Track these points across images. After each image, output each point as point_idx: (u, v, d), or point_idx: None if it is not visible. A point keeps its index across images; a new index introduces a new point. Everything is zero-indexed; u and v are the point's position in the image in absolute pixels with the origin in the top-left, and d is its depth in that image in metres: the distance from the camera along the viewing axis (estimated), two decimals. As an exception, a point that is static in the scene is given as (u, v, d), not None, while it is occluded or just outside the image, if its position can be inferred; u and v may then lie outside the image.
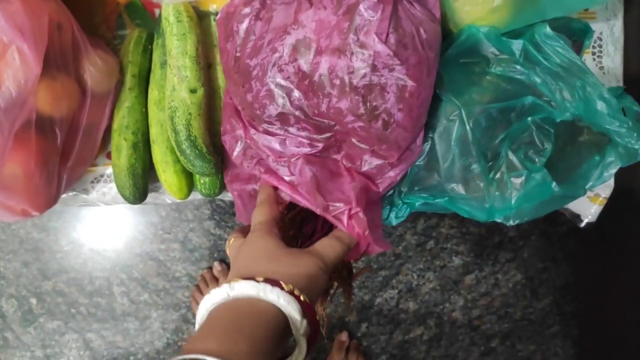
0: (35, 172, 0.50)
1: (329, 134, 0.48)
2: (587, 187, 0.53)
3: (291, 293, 0.37)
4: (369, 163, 0.46)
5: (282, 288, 0.37)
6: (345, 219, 0.45)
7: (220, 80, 0.58)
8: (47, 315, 1.25)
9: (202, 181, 0.57)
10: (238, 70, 0.49)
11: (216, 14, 0.57)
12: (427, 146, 0.51)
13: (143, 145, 0.56)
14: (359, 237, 0.45)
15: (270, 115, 0.47)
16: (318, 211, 0.45)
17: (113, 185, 0.60)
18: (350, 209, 0.45)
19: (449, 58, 0.51)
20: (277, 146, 0.49)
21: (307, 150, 0.48)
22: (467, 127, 0.48)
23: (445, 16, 0.50)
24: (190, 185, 0.58)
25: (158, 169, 0.57)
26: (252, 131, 0.50)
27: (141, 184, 0.56)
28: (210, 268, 1.26)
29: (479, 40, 0.51)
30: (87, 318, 1.25)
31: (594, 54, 0.65)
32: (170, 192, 0.57)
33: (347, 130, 0.46)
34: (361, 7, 0.41)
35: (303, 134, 0.48)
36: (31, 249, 1.22)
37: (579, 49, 0.63)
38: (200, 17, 0.57)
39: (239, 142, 0.54)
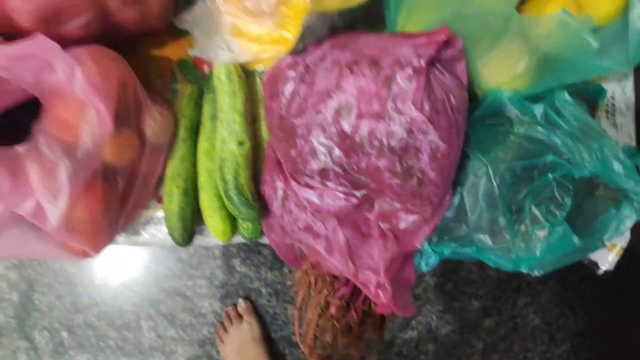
0: (99, 217, 0.55)
1: (364, 190, 0.52)
2: (604, 238, 0.56)
3: None
4: (406, 220, 0.51)
5: None
6: (372, 287, 0.49)
7: (264, 132, 0.63)
8: (77, 348, 1.28)
9: (245, 226, 0.62)
10: (283, 127, 0.54)
11: (261, 73, 0.63)
12: (456, 199, 0.55)
13: (192, 192, 0.62)
14: (384, 306, 0.48)
15: (312, 170, 0.52)
16: (348, 275, 0.49)
17: (162, 227, 0.65)
18: (378, 280, 0.49)
19: (476, 119, 0.56)
20: (315, 199, 0.54)
21: (343, 204, 0.53)
22: (494, 183, 0.52)
23: (471, 81, 0.55)
24: (234, 229, 0.62)
25: (205, 213, 0.62)
26: (293, 183, 0.55)
27: (190, 227, 0.61)
28: (235, 305, 1.29)
29: (503, 103, 0.55)
30: (116, 352, 1.28)
31: (607, 112, 0.69)
32: (215, 235, 0.62)
33: (383, 187, 0.51)
34: (398, 77, 0.46)
35: (340, 188, 0.53)
36: (65, 282, 1.27)
37: (593, 108, 0.68)
38: (247, 75, 0.63)
39: (278, 194, 0.58)
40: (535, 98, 0.56)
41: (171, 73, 0.67)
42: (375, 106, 0.47)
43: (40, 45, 0.44)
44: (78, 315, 1.27)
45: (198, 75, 0.67)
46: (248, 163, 0.59)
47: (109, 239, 0.59)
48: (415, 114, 0.46)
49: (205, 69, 0.67)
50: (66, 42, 0.53)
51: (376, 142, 0.48)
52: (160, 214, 0.65)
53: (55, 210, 0.49)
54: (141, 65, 0.66)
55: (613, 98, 0.69)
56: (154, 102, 0.60)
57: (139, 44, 0.65)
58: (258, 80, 0.64)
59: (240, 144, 0.59)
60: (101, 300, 1.27)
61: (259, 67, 0.61)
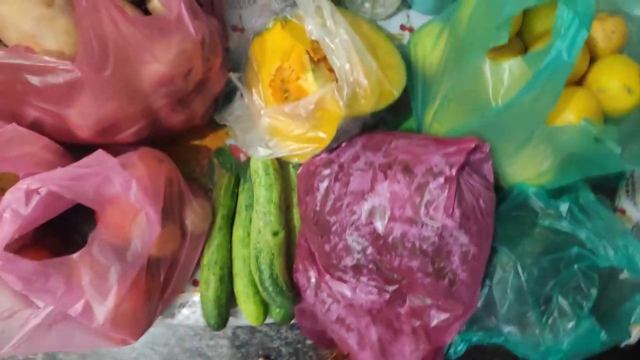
0: (141, 308, 0.58)
1: (396, 286, 0.55)
2: (631, 322, 0.58)
3: None
4: (437, 317, 0.53)
5: None
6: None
7: (296, 220, 0.66)
8: (99, 407, 1.30)
9: (277, 310, 0.64)
10: (317, 223, 0.57)
11: (295, 165, 0.67)
12: (484, 291, 0.57)
13: (228, 278, 0.64)
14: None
15: (345, 265, 0.55)
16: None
17: (196, 309, 0.67)
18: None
19: (502, 212, 0.58)
20: (348, 293, 0.56)
21: (375, 298, 0.55)
22: (522, 278, 0.54)
23: (497, 175, 0.58)
24: (266, 313, 0.65)
25: (239, 298, 0.64)
26: (327, 277, 0.57)
27: (225, 313, 0.63)
28: (256, 365, 1.30)
29: (528, 196, 0.58)
30: (138, 412, 1.29)
31: (627, 191, 0.72)
32: (248, 319, 0.64)
33: (415, 285, 0.53)
34: (431, 186, 0.49)
35: (373, 283, 0.55)
36: (91, 342, 1.29)
37: (614, 190, 0.70)
38: (281, 165, 0.67)
39: (311, 283, 0.61)
40: (560, 188, 0.58)
41: (209, 161, 0.71)
42: (408, 211, 0.50)
43: (100, 161, 0.48)
44: (102, 376, 1.29)
45: (235, 162, 0.71)
46: (282, 252, 0.62)
47: (148, 326, 0.61)
48: (447, 220, 0.48)
49: (242, 156, 0.71)
50: (118, 145, 0.58)
51: (408, 244, 0.50)
52: (195, 297, 0.68)
53: (102, 309, 0.52)
54: (182, 154, 0.70)
55: (632, 177, 0.72)
56: (194, 193, 0.63)
57: (179, 135, 0.70)
58: (292, 170, 0.67)
59: (275, 234, 0.62)
60: (124, 361, 1.29)
61: (294, 160, 0.64)
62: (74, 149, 0.56)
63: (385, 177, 0.52)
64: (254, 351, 1.31)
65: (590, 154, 0.52)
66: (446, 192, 0.49)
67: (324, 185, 0.58)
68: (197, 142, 0.71)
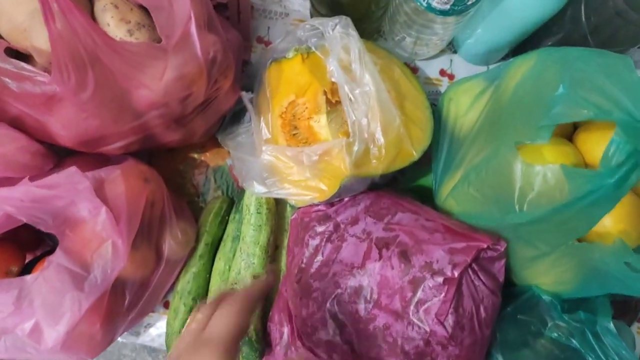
0: (99, 331, 0.54)
1: (371, 375, 0.49)
2: None
3: None
4: None
5: None
6: None
7: (283, 263, 0.61)
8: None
9: (242, 356, 0.59)
10: (299, 281, 0.52)
11: (292, 206, 0.61)
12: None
13: (199, 311, 0.60)
14: None
15: (319, 339, 0.49)
16: None
17: (163, 331, 0.63)
18: None
19: (508, 313, 0.51)
20: (318, 367, 0.51)
21: (346, 381, 0.50)
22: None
23: (508, 272, 0.51)
24: None
25: (207, 335, 0.59)
26: (299, 343, 0.52)
27: (188, 349, 0.59)
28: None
29: (540, 302, 0.51)
30: None
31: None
32: None
33: (390, 381, 0.47)
34: (426, 283, 0.43)
35: (346, 365, 0.50)
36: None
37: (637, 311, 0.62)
38: (278, 201, 0.61)
39: (283, 339, 0.55)
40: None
41: (206, 177, 0.66)
42: (396, 303, 0.44)
43: (71, 182, 0.44)
44: None
45: (232, 185, 0.66)
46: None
47: (107, 344, 0.58)
48: (437, 327, 0.42)
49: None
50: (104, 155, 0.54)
51: (390, 339, 0.45)
52: (163, 319, 0.64)
53: (53, 333, 0.48)
54: (177, 165, 0.65)
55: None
56: (179, 215, 0.59)
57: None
58: (289, 209, 0.62)
59: (256, 278, 0.56)
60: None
61: (292, 202, 0.59)
62: (60, 148, 0.52)
63: (380, 256, 0.46)
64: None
65: (619, 274, 0.45)
66: (442, 294, 0.42)
67: (314, 243, 0.52)
68: (195, 155, 0.66)
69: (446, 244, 0.44)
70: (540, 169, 0.39)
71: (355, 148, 0.46)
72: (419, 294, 0.43)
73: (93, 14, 0.47)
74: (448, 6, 0.48)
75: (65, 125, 0.45)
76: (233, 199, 0.65)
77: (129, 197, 0.50)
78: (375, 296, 0.45)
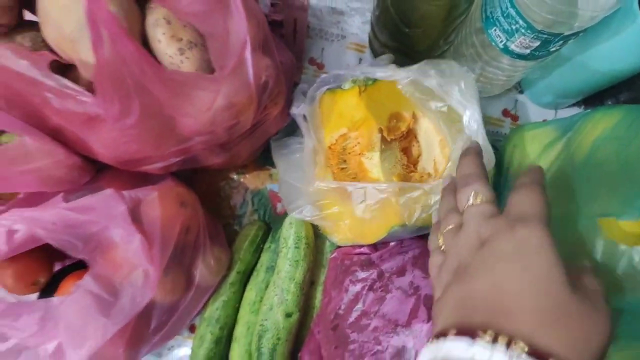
0: (122, 355, 0.51)
1: None
2: None
3: None
4: None
5: None
6: None
7: (317, 300, 0.57)
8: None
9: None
10: (335, 329, 0.48)
11: (334, 244, 0.57)
12: None
13: (225, 341, 0.57)
14: None
15: (352, 395, 0.46)
16: None
17: (187, 353, 0.61)
18: None
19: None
20: None
21: None
22: None
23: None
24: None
25: (232, 366, 0.57)
26: (330, 395, 0.48)
27: (211, 379, 0.56)
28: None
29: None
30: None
31: None
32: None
33: None
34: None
35: None
36: None
37: None
38: (317, 235, 0.58)
39: (313, 384, 0.52)
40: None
41: (243, 200, 0.63)
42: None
43: (107, 206, 0.42)
44: None
45: (270, 211, 0.63)
46: (290, 337, 0.54)
47: (127, 368, 0.55)
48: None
49: (279, 206, 0.62)
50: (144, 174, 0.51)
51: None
52: (188, 344, 0.61)
53: (75, 356, 0.46)
54: (215, 185, 0.63)
55: None
56: (214, 240, 0.56)
57: (220, 164, 0.62)
58: (328, 245, 0.58)
59: (288, 315, 0.53)
60: None
61: (334, 240, 0.55)
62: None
63: (429, 318, 0.42)
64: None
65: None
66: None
67: (354, 289, 0.48)
68: (235, 176, 0.63)
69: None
70: (625, 250, 0.34)
71: (433, 199, 0.42)
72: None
73: (144, 27, 0.45)
74: (528, 51, 0.44)
75: (105, 145, 0.43)
76: (269, 225, 0.61)
77: (164, 222, 0.48)
78: (418, 362, 0.41)
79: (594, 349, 0.23)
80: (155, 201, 0.48)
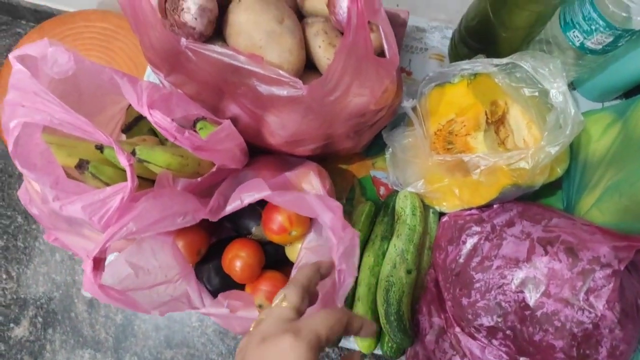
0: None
1: (528, 358, 0.55)
2: None
3: None
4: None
5: None
6: None
7: (425, 262, 0.68)
8: (158, 380, 1.35)
9: (390, 344, 0.66)
10: (458, 274, 0.59)
11: (435, 211, 0.69)
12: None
13: (350, 300, 0.67)
14: None
15: (481, 324, 0.56)
16: None
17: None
18: None
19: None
20: (477, 351, 0.57)
21: (504, 363, 0.56)
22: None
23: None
24: (377, 343, 0.67)
25: (355, 323, 0.66)
26: (457, 329, 0.59)
27: (340, 334, 0.66)
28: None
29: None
30: (193, 394, 1.34)
31: None
32: (359, 346, 0.66)
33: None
34: (596, 274, 0.50)
35: (504, 349, 0.56)
36: (166, 316, 1.36)
37: None
38: (424, 206, 0.69)
39: (434, 329, 0.62)
40: None
41: (351, 186, 0.74)
42: (565, 292, 0.51)
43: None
44: (168, 351, 1.34)
45: (373, 193, 0.74)
46: (411, 291, 0.64)
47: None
48: (607, 312, 0.49)
49: (382, 190, 0.74)
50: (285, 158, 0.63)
51: (558, 323, 0.51)
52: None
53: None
54: (329, 173, 0.74)
55: None
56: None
57: (331, 156, 0.74)
58: (431, 215, 0.69)
59: (409, 272, 0.64)
60: (192, 343, 1.34)
61: (442, 208, 0.66)
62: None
63: (546, 252, 0.54)
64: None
65: None
66: (611, 284, 0.49)
67: (472, 241, 0.60)
68: (343, 166, 0.75)
69: (609, 242, 0.52)
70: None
71: (537, 159, 0.54)
72: (589, 284, 0.50)
73: (305, 37, 0.57)
74: (601, 47, 0.58)
75: (286, 126, 0.55)
76: (377, 207, 0.73)
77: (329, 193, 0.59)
78: (542, 287, 0.52)
79: None
80: (316, 171, 0.60)
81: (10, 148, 0.42)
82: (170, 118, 0.43)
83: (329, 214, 0.51)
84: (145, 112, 0.41)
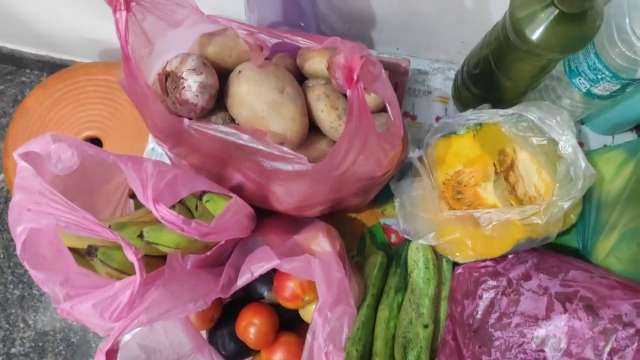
0: None
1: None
2: None
3: None
4: None
5: None
6: None
7: (442, 314, 0.67)
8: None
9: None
10: (477, 331, 0.58)
11: (448, 260, 0.68)
12: None
13: (367, 356, 0.66)
14: None
15: (504, 383, 0.55)
16: None
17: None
18: None
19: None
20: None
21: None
22: None
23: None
24: (397, 400, 0.66)
25: (377, 380, 0.65)
26: (479, 386, 0.58)
27: (359, 392, 0.65)
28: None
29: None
30: None
31: None
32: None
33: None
34: (619, 334, 0.49)
35: (530, 407, 0.55)
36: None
37: None
38: (436, 256, 0.68)
39: (455, 383, 0.61)
40: None
41: (361, 235, 0.74)
42: (588, 352, 0.50)
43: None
44: None
45: (384, 242, 0.73)
46: (429, 345, 0.63)
47: None
48: (633, 375, 0.48)
49: (393, 238, 0.73)
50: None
51: (581, 384, 0.50)
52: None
53: None
54: (337, 225, 0.74)
55: None
56: (352, 274, 0.66)
57: (340, 207, 0.73)
58: (445, 264, 0.68)
59: (425, 327, 0.63)
60: None
61: (451, 257, 0.66)
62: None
63: (565, 309, 0.52)
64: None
65: None
66: (635, 344, 0.48)
67: (488, 296, 0.59)
68: (353, 215, 0.74)
69: (629, 299, 0.50)
70: None
71: (550, 213, 0.53)
72: (612, 344, 0.49)
73: (307, 100, 0.57)
74: (608, 93, 0.57)
75: (292, 194, 0.54)
76: (389, 256, 0.72)
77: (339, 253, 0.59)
78: (563, 345, 0.51)
79: None
80: (325, 232, 0.59)
81: (18, 251, 0.42)
82: (177, 211, 0.43)
83: (324, 288, 0.51)
84: (151, 207, 0.41)
